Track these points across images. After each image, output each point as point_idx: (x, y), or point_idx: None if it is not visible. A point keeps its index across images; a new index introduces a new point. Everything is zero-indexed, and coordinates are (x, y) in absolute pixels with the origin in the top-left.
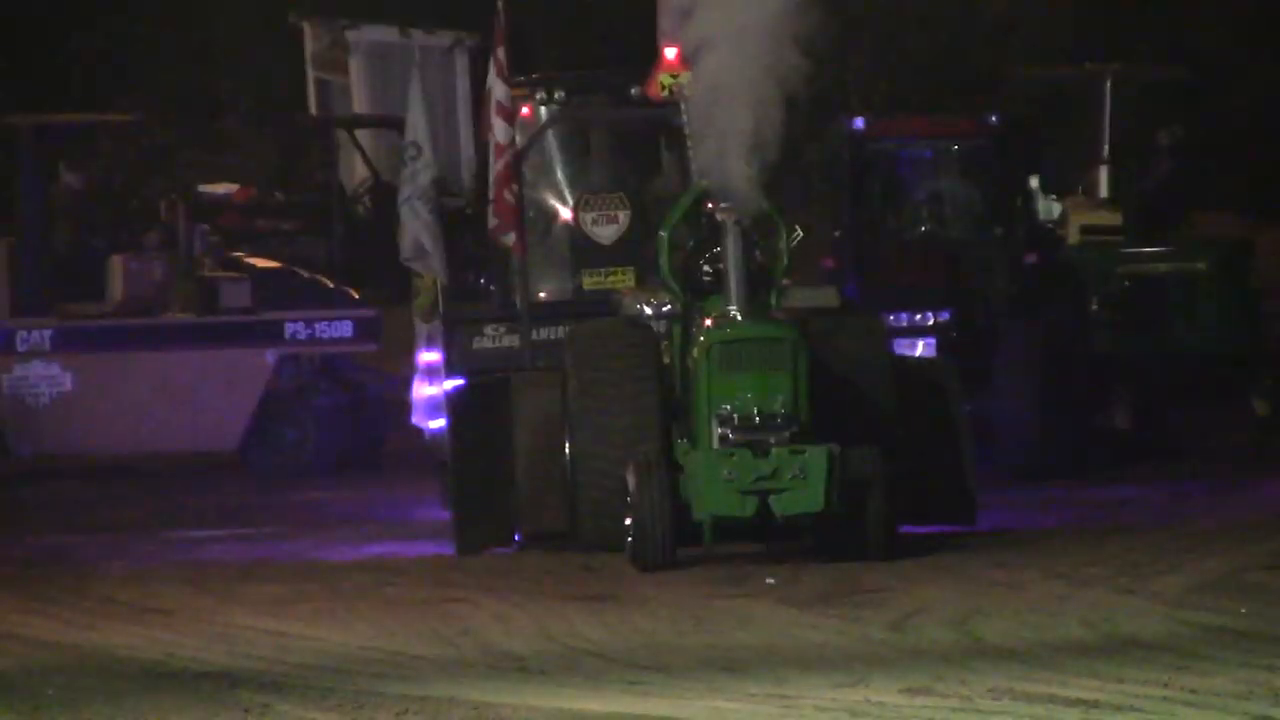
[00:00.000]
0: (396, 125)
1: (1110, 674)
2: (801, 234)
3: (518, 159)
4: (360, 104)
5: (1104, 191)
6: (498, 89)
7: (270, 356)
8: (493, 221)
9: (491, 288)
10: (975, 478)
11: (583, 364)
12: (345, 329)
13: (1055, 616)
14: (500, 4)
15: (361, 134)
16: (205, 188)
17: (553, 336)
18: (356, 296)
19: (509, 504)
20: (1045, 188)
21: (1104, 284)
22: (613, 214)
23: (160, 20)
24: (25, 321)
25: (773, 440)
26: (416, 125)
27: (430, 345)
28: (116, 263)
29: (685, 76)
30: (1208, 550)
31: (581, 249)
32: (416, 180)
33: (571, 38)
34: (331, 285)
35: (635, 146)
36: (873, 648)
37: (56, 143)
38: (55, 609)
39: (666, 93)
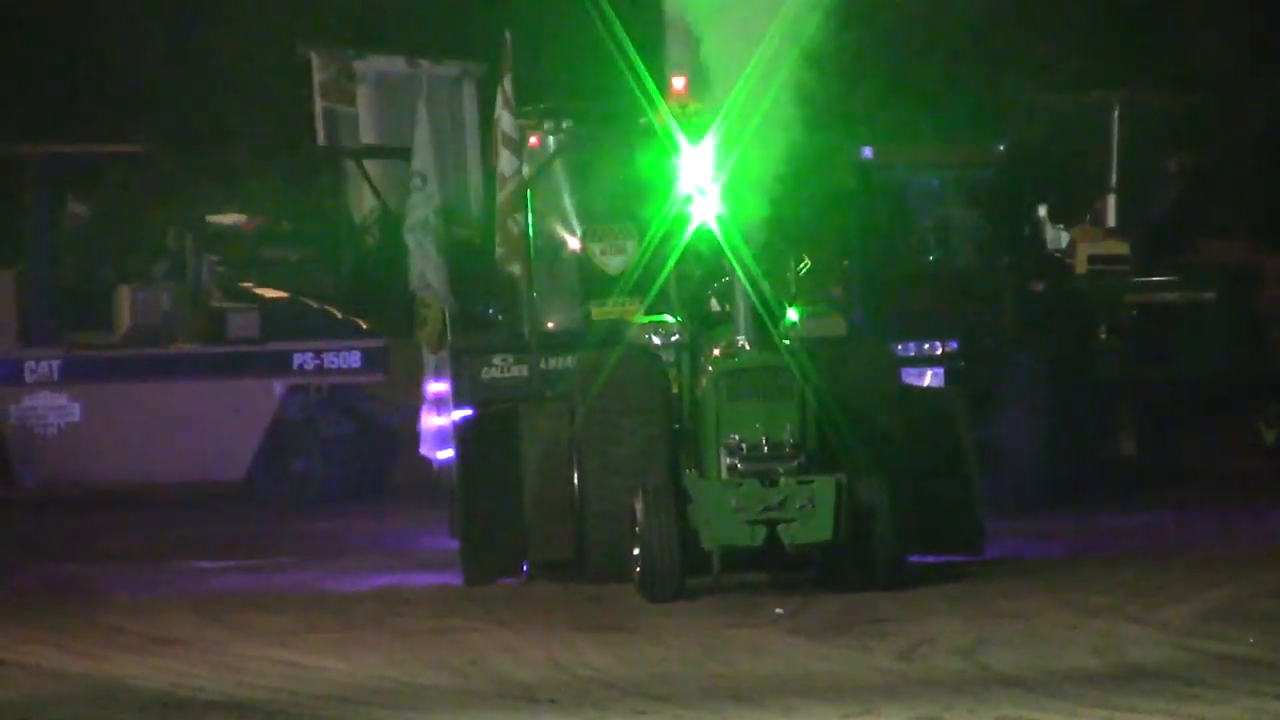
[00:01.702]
0: (404, 155)
1: (1119, 703)
2: (809, 263)
3: (524, 188)
4: (368, 134)
5: (1111, 220)
6: (504, 119)
7: (278, 386)
8: (500, 251)
9: (500, 317)
10: (983, 507)
11: (590, 394)
12: (353, 359)
13: (1063, 645)
14: (507, 34)
15: (369, 164)
16: (213, 218)
17: (561, 366)
18: (364, 327)
19: (517, 534)
20: (1052, 216)
21: (1111, 312)
22: (621, 244)
23: (168, 51)
24: (33, 352)
25: (781, 470)
26: (423, 155)
27: (438, 375)
28: (124, 293)
29: (693, 106)
30: (1215, 579)
31: (589, 279)
32: (423, 210)
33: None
34: (339, 315)
35: (643, 176)
36: (882, 677)
37: (64, 173)
38: (63, 639)
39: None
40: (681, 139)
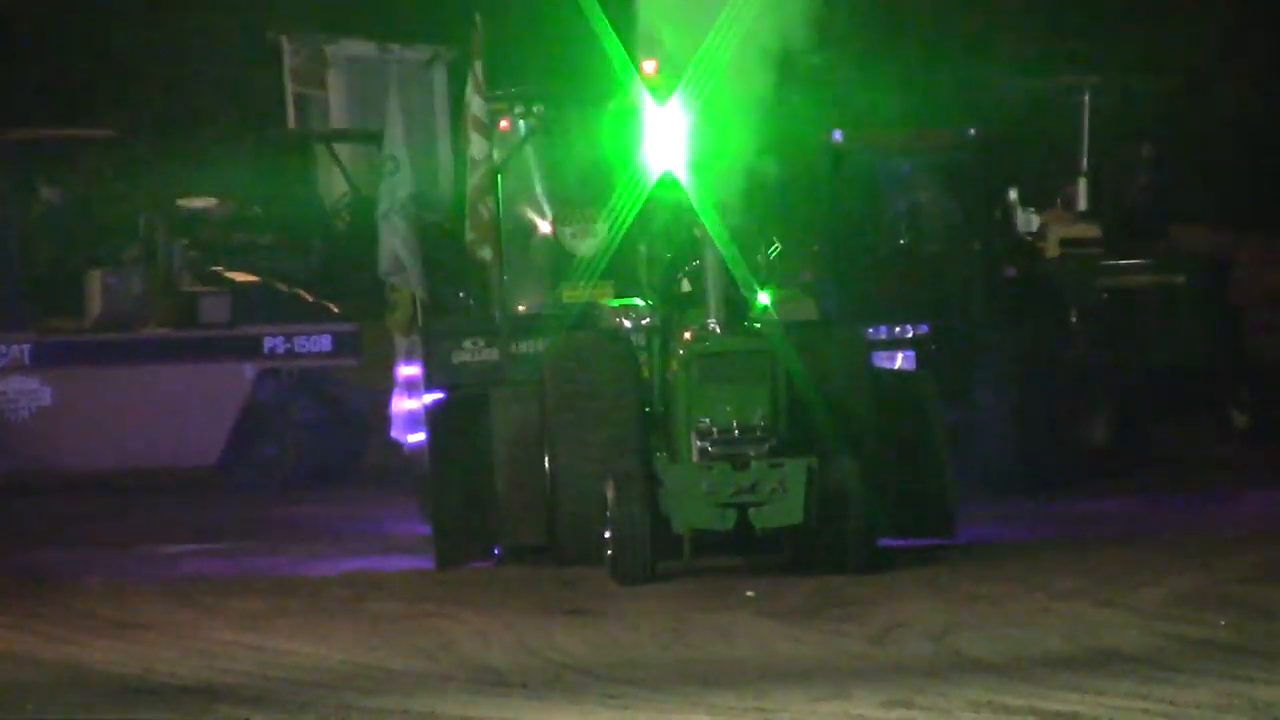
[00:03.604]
0: (375, 139)
1: (1090, 686)
2: (780, 246)
3: (494, 173)
4: (339, 118)
5: (1083, 204)
6: (475, 103)
7: (249, 370)
8: (470, 235)
9: (470, 301)
10: (954, 491)
11: (561, 377)
12: (324, 343)
13: (1035, 629)
14: (478, 18)
15: (340, 148)
16: (184, 202)
17: (532, 350)
18: (335, 311)
19: (489, 518)
20: (1024, 200)
21: (1083, 297)
22: (591, 227)
23: (139, 36)
24: (4, 336)
25: (752, 453)
26: (395, 139)
27: (409, 359)
28: (95, 277)
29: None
30: (1187, 563)
31: (560, 262)
32: (394, 194)
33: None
34: (310, 299)
35: (614, 159)
36: (853, 661)
37: (35, 158)
38: (34, 624)
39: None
40: (652, 121)
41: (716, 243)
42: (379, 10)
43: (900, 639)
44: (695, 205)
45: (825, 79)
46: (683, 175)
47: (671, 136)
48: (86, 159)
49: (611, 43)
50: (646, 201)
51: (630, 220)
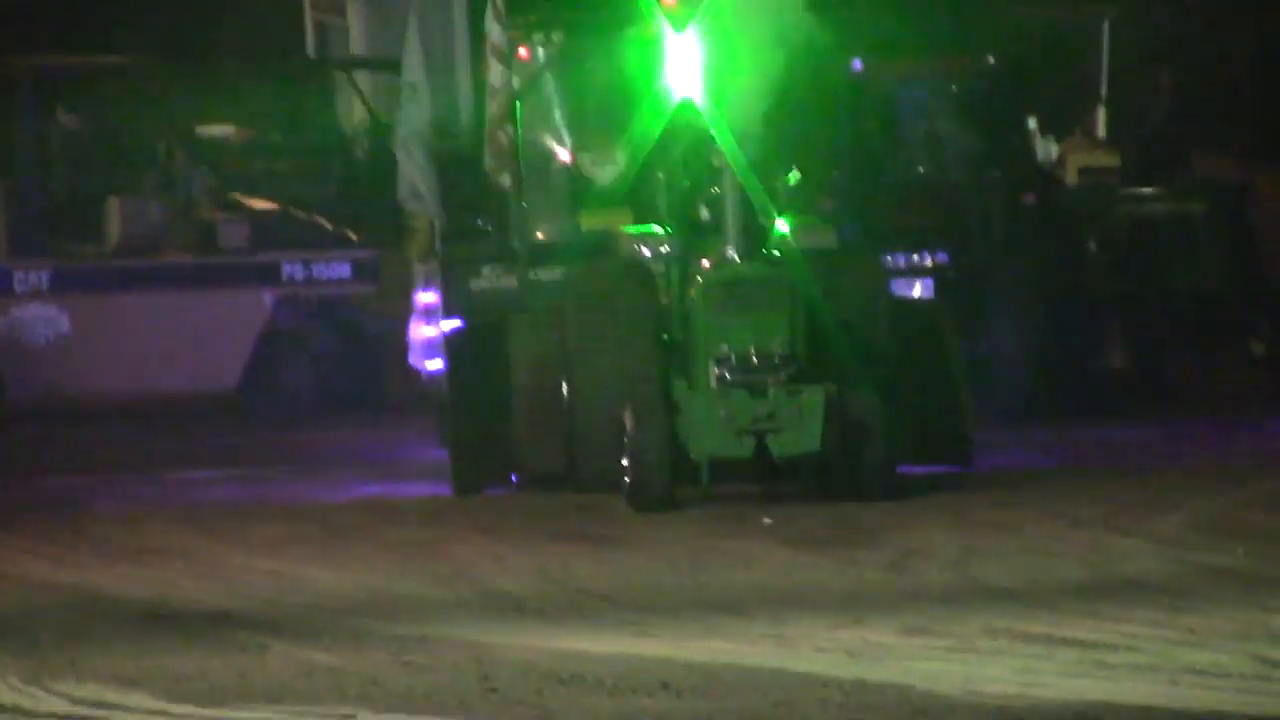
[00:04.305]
0: (394, 67)
1: (1108, 614)
2: (799, 175)
3: (513, 100)
4: (358, 45)
5: (1102, 132)
6: (494, 31)
7: (268, 297)
8: (489, 162)
9: (489, 229)
10: (972, 418)
11: (580, 305)
12: (343, 270)
13: (1052, 557)
14: None
15: (360, 76)
16: (203, 129)
17: (550, 277)
18: (354, 238)
19: (506, 445)
20: (1043, 129)
21: (1102, 225)
22: (610, 154)
23: None
24: (23, 263)
25: (770, 381)
26: (414, 66)
27: (428, 286)
28: (114, 204)
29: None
30: (1205, 491)
31: (579, 189)
32: (413, 122)
33: None
34: (329, 226)
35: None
36: (870, 588)
37: (53, 85)
38: (51, 550)
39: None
40: (671, 49)
41: (735, 171)
42: None
43: (918, 566)
44: (714, 133)
45: (845, 7)
46: (701, 103)
47: (690, 65)
48: (105, 86)
49: None
50: (665, 129)
51: (649, 148)
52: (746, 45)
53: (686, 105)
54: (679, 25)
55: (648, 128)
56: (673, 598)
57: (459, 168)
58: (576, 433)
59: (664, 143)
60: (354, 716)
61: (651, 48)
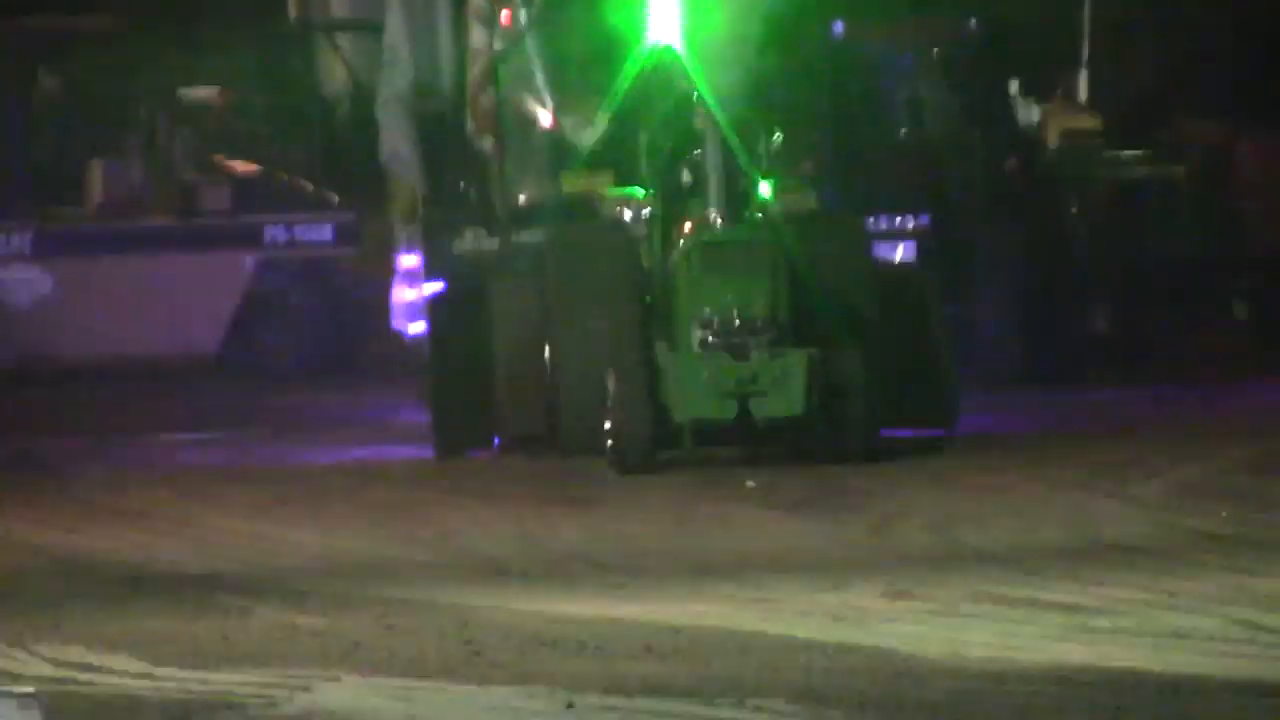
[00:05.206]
0: (376, 29)
1: (1091, 578)
2: (781, 137)
3: (494, 63)
4: (340, 8)
5: (1084, 96)
6: None
7: (250, 260)
8: (471, 126)
9: (471, 192)
10: (955, 381)
11: (562, 268)
12: (325, 233)
13: (1035, 520)
14: None
15: (341, 38)
16: (185, 91)
17: (532, 240)
18: (336, 200)
19: (488, 408)
20: (1025, 91)
21: (1084, 188)
22: (592, 117)
23: None
24: (5, 225)
25: (753, 344)
26: (395, 29)
27: (410, 249)
28: (96, 167)
29: None
30: (1189, 454)
31: (561, 152)
32: (395, 84)
33: None
34: (311, 189)
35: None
36: (853, 551)
37: (36, 47)
38: (35, 512)
39: None
40: (653, 9)
41: (717, 133)
42: None
43: (901, 530)
44: (696, 95)
45: None
46: (683, 59)
47: (671, 26)
48: (87, 49)
49: None
50: (648, 92)
51: (631, 111)
52: (726, 7)
53: (668, 58)
54: None
55: (630, 90)
56: (655, 561)
57: (441, 131)
58: (559, 396)
59: (646, 105)
60: (338, 679)
61: (633, 10)
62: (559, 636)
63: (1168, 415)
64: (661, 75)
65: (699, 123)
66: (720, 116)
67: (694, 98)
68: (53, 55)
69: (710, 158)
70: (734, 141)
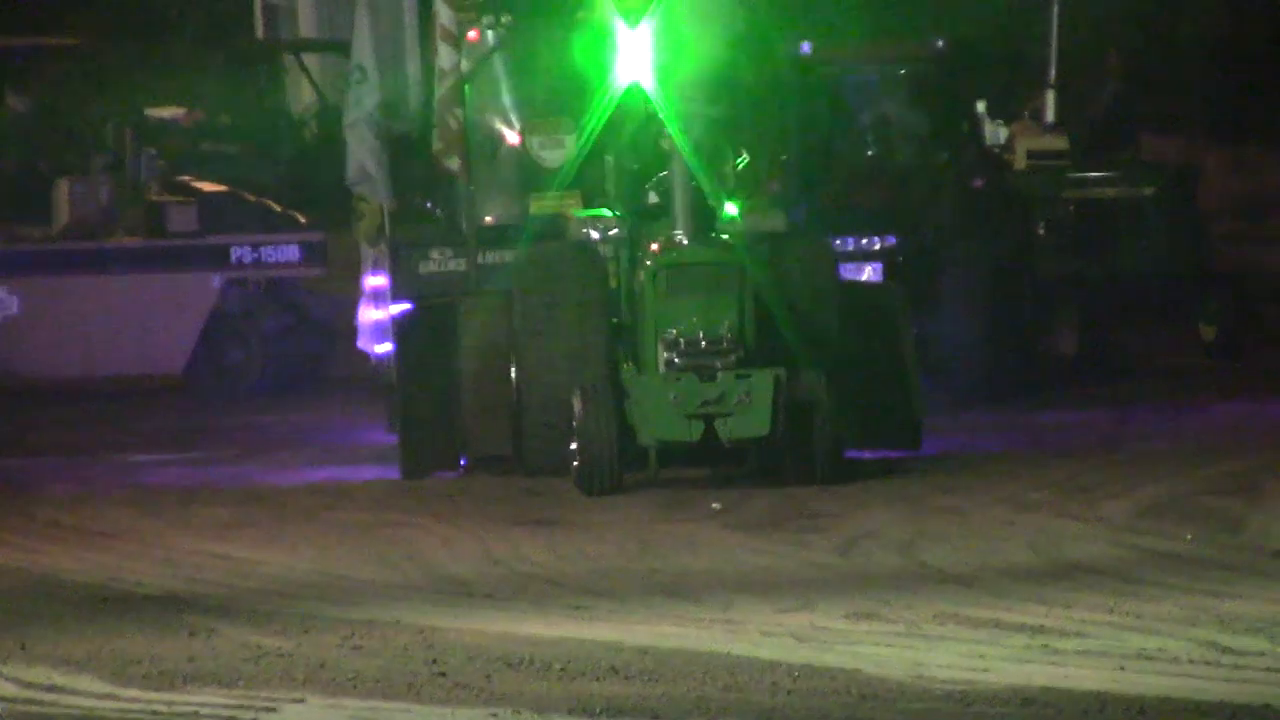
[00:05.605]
0: (343, 49)
1: (1056, 599)
2: (748, 158)
3: (462, 83)
4: (307, 27)
5: (1051, 115)
6: (443, 13)
7: (216, 280)
8: (438, 145)
9: (438, 212)
10: (921, 402)
11: (528, 288)
12: (291, 253)
13: (1001, 541)
14: None
15: (308, 58)
16: (151, 111)
17: (499, 260)
18: (303, 220)
19: (455, 428)
20: (992, 112)
21: (1050, 208)
22: (559, 138)
23: None
24: None
25: (719, 365)
26: (362, 48)
27: (376, 269)
28: (62, 186)
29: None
30: (1154, 475)
31: (528, 173)
32: (362, 104)
33: None
34: (278, 209)
35: (582, 69)
36: (818, 572)
37: (2, 66)
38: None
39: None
40: (620, 34)
41: (683, 154)
42: None
43: (866, 550)
44: (662, 117)
45: None
46: (650, 87)
47: (639, 49)
48: (54, 67)
49: None
50: (614, 113)
51: (598, 132)
52: (694, 30)
53: (635, 89)
54: (632, 22)
55: (597, 111)
56: (621, 582)
57: (408, 150)
58: (525, 416)
59: (613, 126)
60: (303, 700)
61: (601, 31)
62: (525, 657)
63: (1133, 436)
64: (628, 98)
65: (665, 144)
66: (684, 140)
67: (659, 122)
68: (19, 74)
69: (676, 179)
70: (700, 162)
